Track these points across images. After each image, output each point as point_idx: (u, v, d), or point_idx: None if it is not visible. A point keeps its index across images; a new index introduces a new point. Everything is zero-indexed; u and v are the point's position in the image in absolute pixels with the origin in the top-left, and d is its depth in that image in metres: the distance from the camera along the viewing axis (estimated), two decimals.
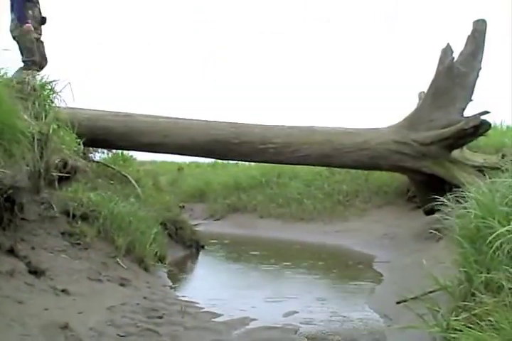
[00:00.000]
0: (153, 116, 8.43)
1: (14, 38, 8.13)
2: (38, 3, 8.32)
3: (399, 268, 6.75)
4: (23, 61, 8.07)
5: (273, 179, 13.56)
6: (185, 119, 8.41)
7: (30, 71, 7.64)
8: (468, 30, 7.93)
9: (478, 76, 7.95)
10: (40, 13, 8.30)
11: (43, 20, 8.29)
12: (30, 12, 8.18)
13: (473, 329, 2.52)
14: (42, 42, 8.28)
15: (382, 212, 10.80)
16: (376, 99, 30.84)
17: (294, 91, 33.22)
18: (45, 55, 8.22)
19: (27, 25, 7.95)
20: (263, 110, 29.87)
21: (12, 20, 8.15)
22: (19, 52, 8.13)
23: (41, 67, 8.19)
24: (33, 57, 8.03)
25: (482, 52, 7.95)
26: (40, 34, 8.24)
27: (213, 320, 4.62)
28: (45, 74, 6.44)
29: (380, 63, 33.87)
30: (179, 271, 7.35)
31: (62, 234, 5.40)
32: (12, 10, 8.09)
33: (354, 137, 8.07)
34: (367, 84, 29.92)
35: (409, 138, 7.87)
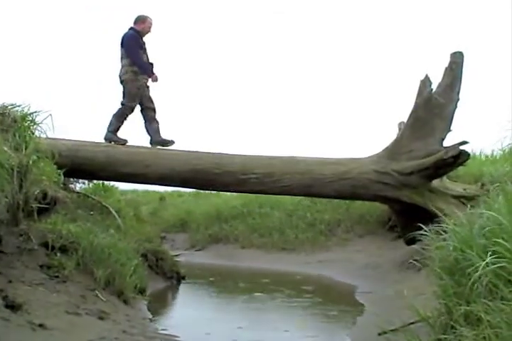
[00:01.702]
0: (134, 147, 8.46)
1: (122, 82, 8.40)
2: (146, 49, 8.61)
3: (381, 299, 6.73)
4: (122, 104, 8.46)
5: (255, 209, 13.47)
6: (166, 149, 8.45)
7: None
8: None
9: (456, 107, 8.09)
10: (148, 59, 8.54)
11: (152, 66, 8.53)
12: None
13: None
14: (148, 87, 8.63)
15: (364, 242, 10.80)
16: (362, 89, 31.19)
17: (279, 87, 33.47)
18: (151, 97, 8.62)
19: (154, 76, 8.45)
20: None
21: (123, 66, 8.52)
22: (122, 95, 8.56)
23: (153, 110, 8.63)
24: (134, 103, 8.39)
25: (460, 84, 8.09)
26: (147, 80, 8.46)
27: None
28: (27, 105, 6.41)
29: (368, 52, 33.77)
30: (159, 304, 7.26)
31: (41, 266, 5.31)
32: (125, 56, 8.43)
33: (335, 167, 8.12)
34: (356, 74, 30.29)
35: (389, 168, 7.93)
